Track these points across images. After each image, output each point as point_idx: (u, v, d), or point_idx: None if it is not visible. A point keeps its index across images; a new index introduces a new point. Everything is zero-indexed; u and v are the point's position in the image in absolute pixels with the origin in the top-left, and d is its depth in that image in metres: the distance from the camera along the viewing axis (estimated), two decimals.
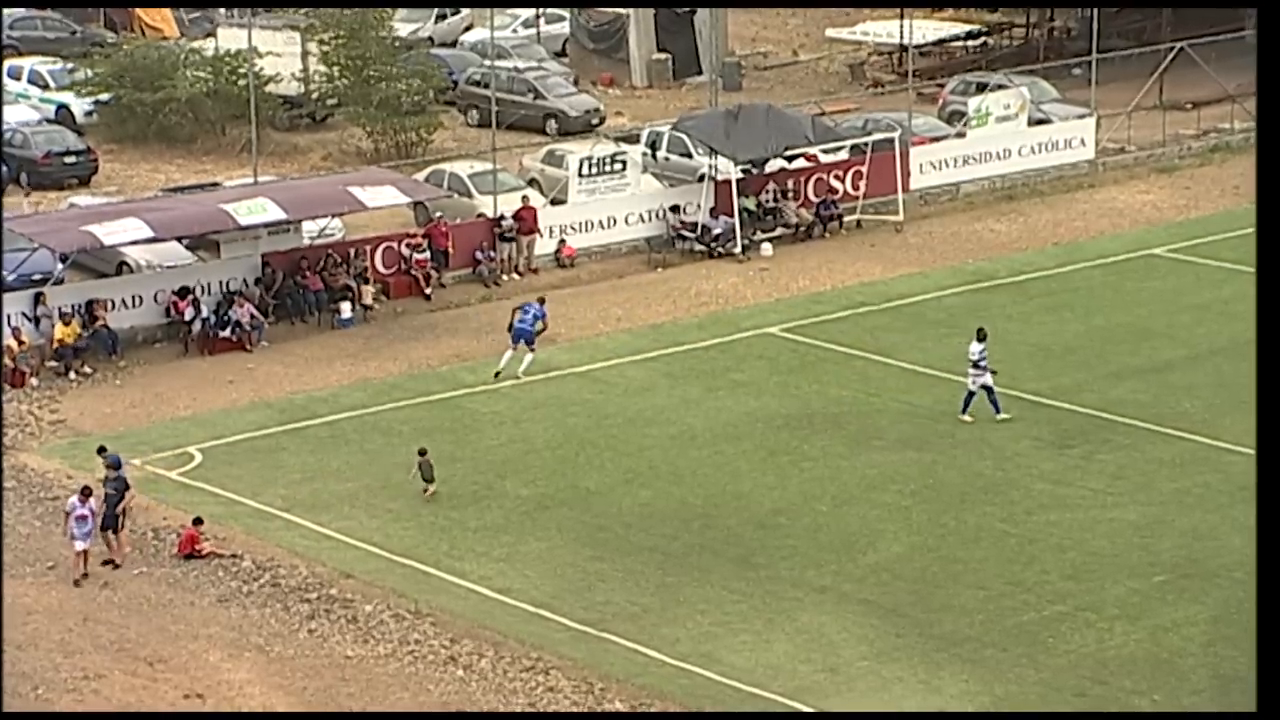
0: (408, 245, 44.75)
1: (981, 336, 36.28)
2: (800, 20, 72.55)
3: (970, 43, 65.63)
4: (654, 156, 51.50)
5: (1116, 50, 57.95)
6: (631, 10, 63.90)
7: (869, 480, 34.17)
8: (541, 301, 39.75)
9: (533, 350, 38.94)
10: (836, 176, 49.98)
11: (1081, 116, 53.95)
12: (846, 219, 49.19)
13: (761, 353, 40.71)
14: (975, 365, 36.21)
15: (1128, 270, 44.97)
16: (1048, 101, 55.23)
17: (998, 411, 36.06)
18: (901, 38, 60.54)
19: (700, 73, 62.79)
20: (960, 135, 52.72)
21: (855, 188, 49.81)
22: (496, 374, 38.82)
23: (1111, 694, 27.03)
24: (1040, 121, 53.67)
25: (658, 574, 30.83)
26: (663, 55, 64.05)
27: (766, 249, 47.56)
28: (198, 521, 31.71)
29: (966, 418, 36.07)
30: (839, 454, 35.32)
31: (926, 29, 64.40)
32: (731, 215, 47.40)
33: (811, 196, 49.55)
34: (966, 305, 43.20)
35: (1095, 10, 56.19)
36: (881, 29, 65.42)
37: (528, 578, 30.82)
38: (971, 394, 36.21)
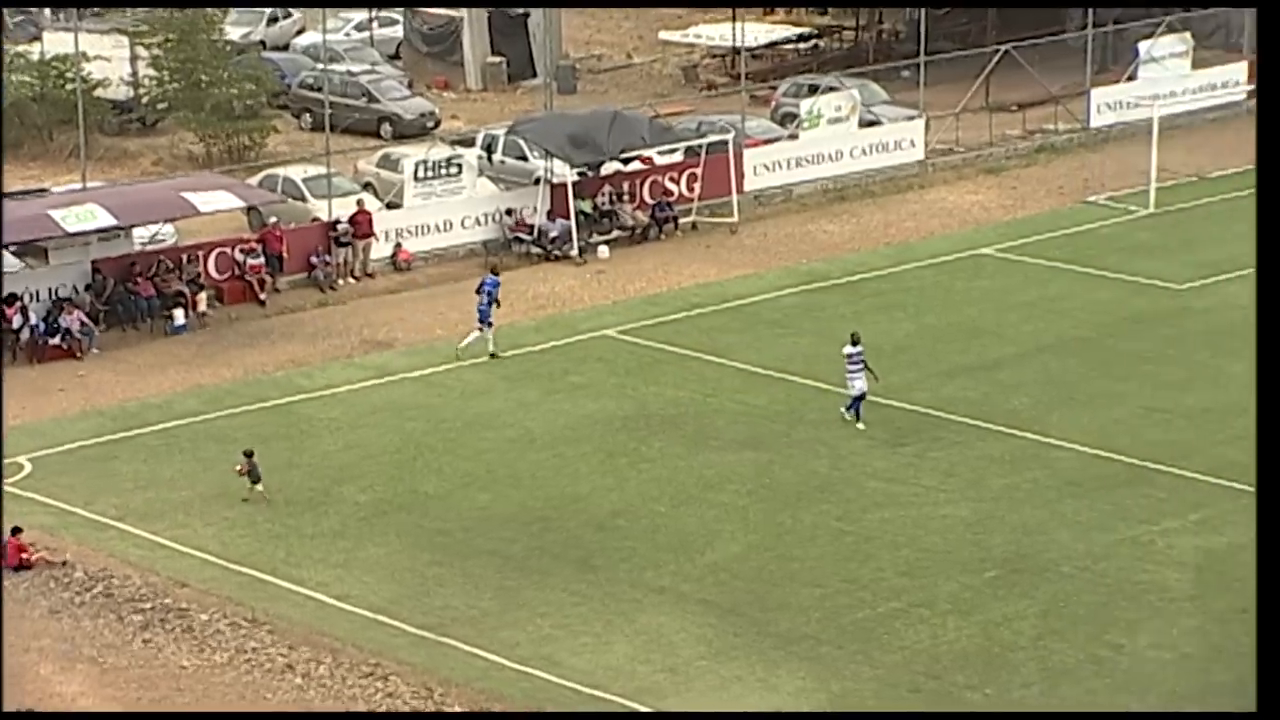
0: (242, 250, 44.39)
1: (855, 340, 36.25)
2: (634, 23, 72.85)
3: (801, 45, 66.25)
4: (490, 160, 51.48)
5: (944, 53, 58.79)
6: (465, 13, 63.79)
7: (706, 480, 34.42)
8: (494, 271, 41.08)
9: (480, 329, 39.90)
10: (671, 179, 50.27)
11: (911, 118, 54.66)
12: (682, 221, 49.49)
13: (599, 355, 40.85)
14: (849, 366, 36.09)
15: (957, 270, 45.63)
16: (878, 103, 55.90)
17: (858, 419, 36.07)
18: (734, 40, 60.95)
19: (535, 76, 62.86)
20: (793, 137, 53.21)
21: (690, 190, 50.13)
22: (493, 353, 40.05)
23: (945, 689, 27.44)
24: (871, 123, 54.31)
25: (497, 578, 30.85)
26: (497, 58, 64.02)
27: (603, 251, 47.72)
28: (16, 531, 31.20)
29: (860, 425, 35.94)
30: (677, 455, 35.54)
31: (758, 32, 64.94)
32: (568, 218, 47.51)
33: (647, 199, 49.80)
34: (801, 306, 43.63)
35: (923, 13, 56.97)
36: (714, 32, 65.87)
37: (366, 583, 30.71)
38: (856, 398, 36.11)
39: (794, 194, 52.10)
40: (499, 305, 40.55)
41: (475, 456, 35.52)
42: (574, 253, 47.25)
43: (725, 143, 50.63)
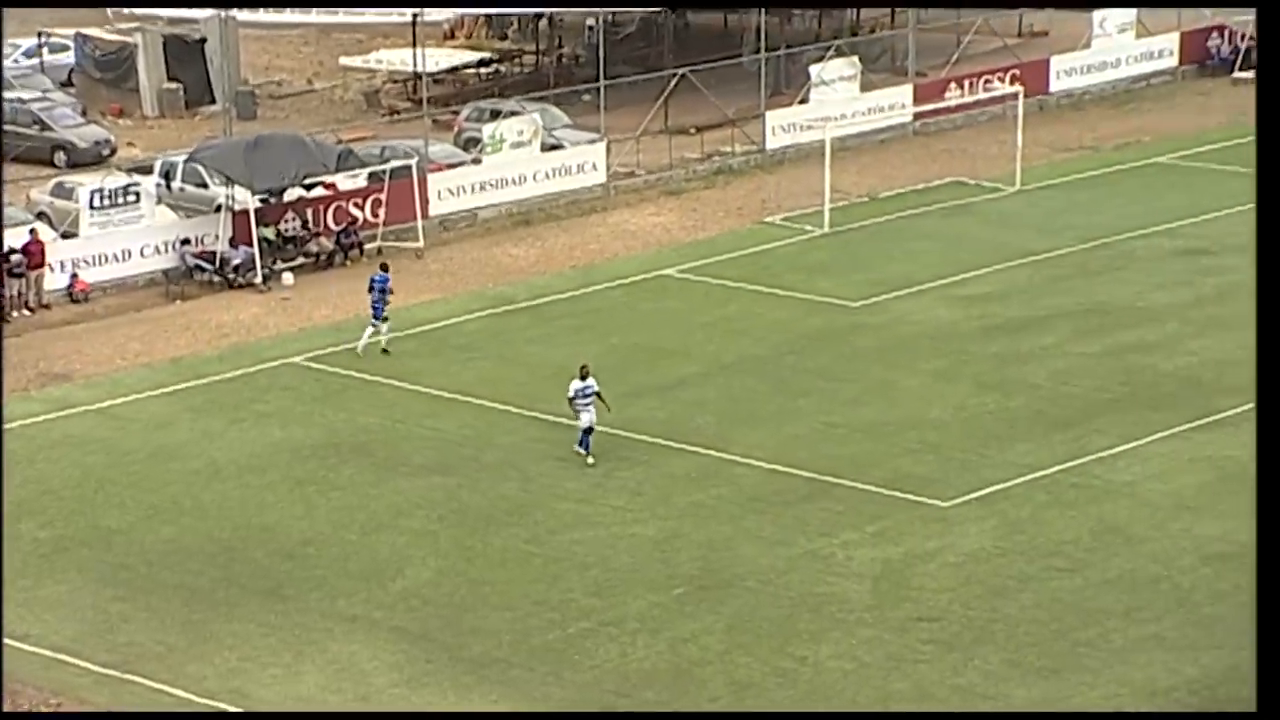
0: None
1: (585, 374, 36.02)
2: (314, 48, 72.39)
3: (483, 70, 66.51)
4: (169, 187, 50.72)
5: (623, 77, 59.58)
6: (139, 38, 62.78)
7: (397, 507, 34.40)
8: (384, 269, 42.28)
9: (380, 323, 41.41)
10: (356, 204, 50.11)
11: (592, 141, 55.28)
12: (367, 246, 49.35)
13: (286, 383, 40.54)
14: (577, 401, 35.78)
15: (642, 291, 46.28)
16: (560, 127, 56.41)
17: (587, 454, 35.89)
18: (415, 66, 61.00)
19: (214, 102, 62.05)
20: (476, 162, 53.41)
21: (375, 215, 50.02)
22: (384, 350, 41.48)
23: (634, 706, 27.83)
24: (553, 147, 54.77)
25: (184, 611, 30.44)
26: (174, 84, 63.04)
27: (288, 278, 47.35)
28: None
29: (590, 460, 35.72)
30: (367, 482, 35.45)
31: (440, 57, 65.01)
32: (251, 245, 47.05)
33: (332, 225, 49.56)
34: (488, 330, 43.85)
35: (602, 37, 57.66)
36: (395, 57, 65.75)
37: (46, 622, 30.04)
38: (586, 431, 35.87)
39: (479, 218, 52.31)
40: (391, 294, 41.77)
41: (159, 489, 34.99)
42: (258, 280, 46.80)
43: (409, 168, 50.63)
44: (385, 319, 41.69)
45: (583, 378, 35.96)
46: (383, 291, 41.63)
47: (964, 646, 29.05)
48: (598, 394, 35.94)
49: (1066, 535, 32.52)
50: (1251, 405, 37.46)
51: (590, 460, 35.77)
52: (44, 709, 27.51)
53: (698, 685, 28.32)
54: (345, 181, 50.66)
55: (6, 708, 27.47)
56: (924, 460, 35.82)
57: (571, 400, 35.97)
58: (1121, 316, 43.01)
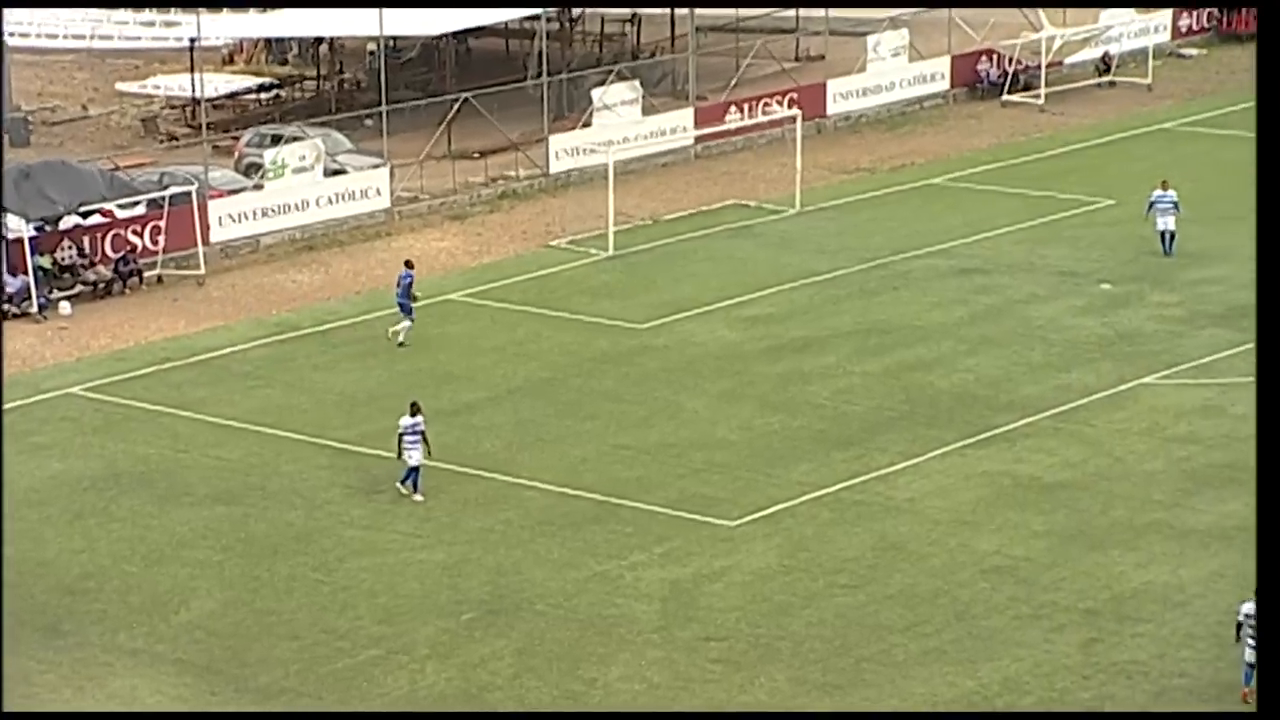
0: None
1: (415, 409, 35.56)
2: (89, 74, 71.26)
3: (263, 95, 65.99)
4: None
5: (406, 101, 59.47)
6: None
7: (180, 537, 33.98)
8: (409, 265, 43.99)
9: (407, 319, 43.39)
10: (135, 231, 49.43)
11: (376, 166, 55.10)
12: (147, 274, 48.71)
13: (64, 414, 39.85)
14: (405, 438, 35.29)
15: (427, 316, 46.09)
16: (342, 152, 56.13)
17: (415, 490, 35.47)
18: (193, 91, 60.36)
19: None
20: (258, 187, 52.97)
21: (154, 242, 49.39)
22: (400, 343, 43.41)
23: None
24: (336, 172, 54.49)
25: None
26: None
27: (65, 308, 46.56)
28: None
29: (418, 497, 35.33)
30: (149, 513, 34.98)
31: (219, 82, 64.41)
32: (26, 274, 46.18)
33: (110, 253, 48.83)
34: (272, 357, 43.49)
35: (384, 62, 57.53)
36: (173, 82, 65.03)
37: None
38: (412, 469, 35.42)
39: (262, 244, 51.86)
40: (416, 298, 43.55)
41: None
42: (34, 310, 45.96)
43: (189, 194, 50.07)
44: (409, 312, 43.51)
45: (412, 414, 35.50)
46: (404, 288, 43.32)
47: (751, 665, 29.40)
48: (422, 433, 35.39)
49: (849, 552, 33.06)
50: (1024, 421, 38.48)
51: (419, 497, 35.30)
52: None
53: (488, 710, 28.33)
54: (123, 209, 49.96)
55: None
56: (710, 480, 36.20)
57: (401, 436, 35.46)
58: (900, 335, 43.85)
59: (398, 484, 35.59)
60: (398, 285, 43.89)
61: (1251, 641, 27.17)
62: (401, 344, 43.46)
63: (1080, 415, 38.72)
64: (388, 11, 56.14)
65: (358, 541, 33.85)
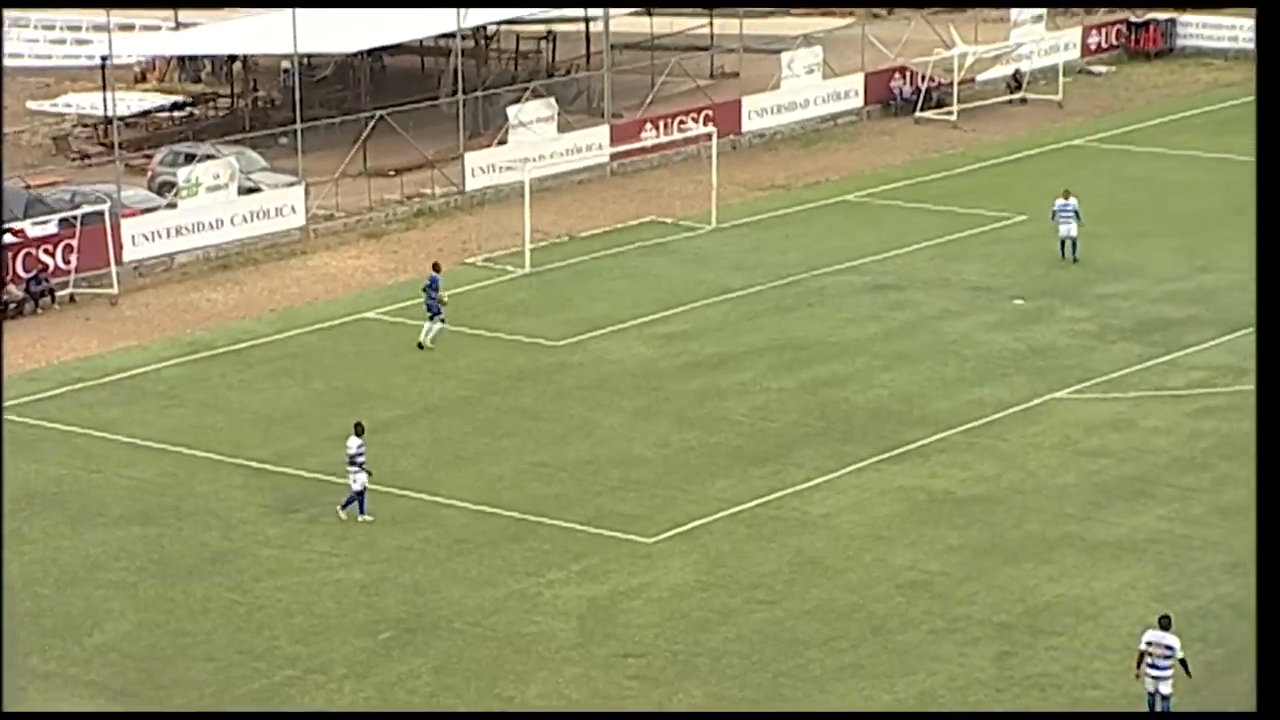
0: None
1: (359, 431, 35.35)
2: None
3: (177, 113, 65.65)
4: None
5: (320, 119, 59.32)
6: None
7: (93, 559, 33.75)
8: (436, 269, 45.15)
9: (435, 321, 44.21)
10: (46, 251, 49.06)
11: (290, 184, 54.91)
12: (59, 294, 48.36)
13: None
14: (352, 462, 35.00)
15: (343, 334, 46.07)
16: (257, 170, 55.91)
17: (361, 512, 35.21)
18: (106, 109, 60.00)
19: None
20: (172, 206, 52.68)
21: (66, 261, 49.04)
22: (420, 344, 44.15)
23: None
24: (251, 190, 54.27)
25: None
26: None
27: None
28: None
29: (366, 517, 35.05)
30: (61, 534, 34.72)
31: (131, 100, 64.04)
32: None
33: (21, 272, 48.44)
34: (186, 376, 43.26)
35: (298, 80, 57.38)
36: (85, 100, 64.60)
37: None
38: (357, 494, 35.09)
39: (176, 263, 51.58)
40: (445, 302, 44.26)
41: None
42: None
43: (101, 213, 49.74)
44: (437, 314, 44.24)
45: (358, 434, 35.23)
46: (431, 292, 44.20)
47: (669, 681, 29.48)
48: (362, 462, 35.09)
49: (766, 568, 33.21)
50: (938, 436, 38.76)
51: (368, 517, 35.05)
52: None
53: None
54: (34, 228, 49.60)
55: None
56: (627, 498, 36.28)
57: (351, 459, 35.08)
58: (815, 352, 44.08)
59: (338, 509, 35.28)
60: (428, 289, 44.50)
61: (1154, 672, 27.15)
62: (420, 345, 44.05)
63: (993, 430, 39.05)
64: (302, 29, 56.00)
65: (274, 561, 33.73)
